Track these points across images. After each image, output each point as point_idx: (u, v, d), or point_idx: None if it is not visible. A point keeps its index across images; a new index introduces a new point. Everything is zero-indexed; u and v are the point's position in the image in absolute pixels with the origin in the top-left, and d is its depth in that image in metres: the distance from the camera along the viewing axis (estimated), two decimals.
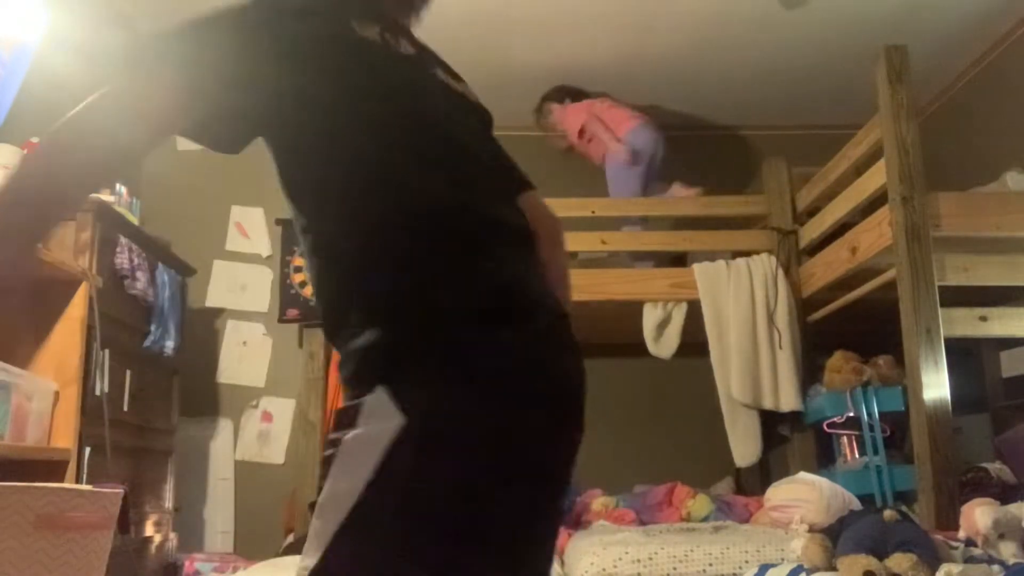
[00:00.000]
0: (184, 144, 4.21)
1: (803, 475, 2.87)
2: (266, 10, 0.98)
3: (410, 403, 0.84)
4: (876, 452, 3.16)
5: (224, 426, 3.71)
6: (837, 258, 3.33)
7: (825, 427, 3.33)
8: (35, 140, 2.71)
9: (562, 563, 2.69)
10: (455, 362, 0.86)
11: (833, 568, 1.94)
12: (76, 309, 2.47)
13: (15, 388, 2.22)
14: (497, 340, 0.86)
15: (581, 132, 3.99)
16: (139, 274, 2.84)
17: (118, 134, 0.92)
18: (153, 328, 2.95)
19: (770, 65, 4.24)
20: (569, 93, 4.12)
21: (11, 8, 2.51)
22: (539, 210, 1.19)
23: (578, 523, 3.27)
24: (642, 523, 3.21)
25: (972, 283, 2.92)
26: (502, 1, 3.66)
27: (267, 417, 3.75)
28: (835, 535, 2.05)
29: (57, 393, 2.42)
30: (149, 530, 2.95)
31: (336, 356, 1.11)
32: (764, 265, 3.60)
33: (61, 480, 2.35)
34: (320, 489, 0.88)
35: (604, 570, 2.46)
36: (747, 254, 3.68)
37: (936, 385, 2.65)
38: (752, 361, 3.47)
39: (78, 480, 2.40)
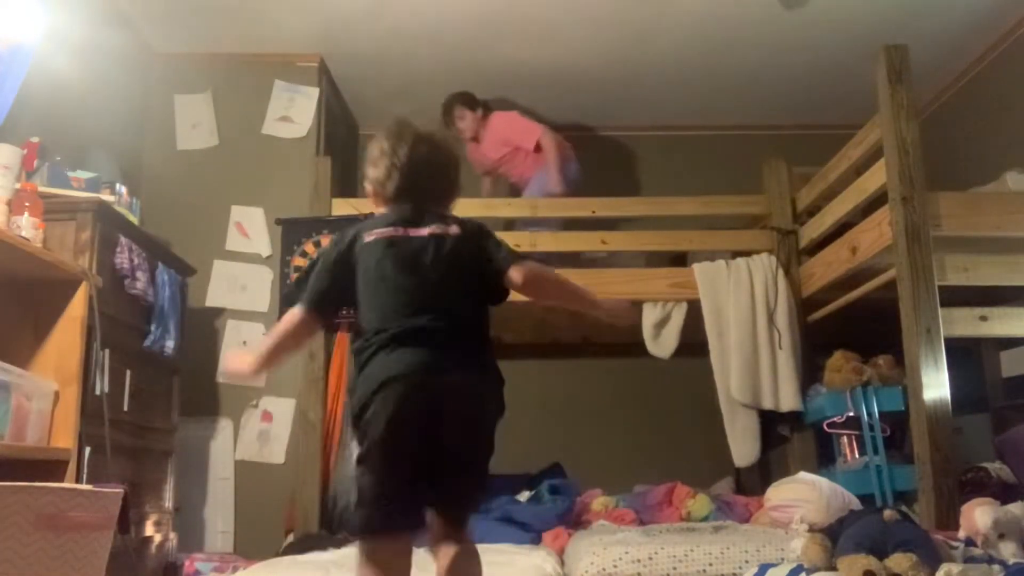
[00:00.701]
0: (184, 143, 4.24)
1: (803, 475, 2.87)
2: (329, 250, 1.72)
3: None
4: (876, 452, 3.15)
5: (224, 426, 3.71)
6: (837, 258, 3.33)
7: (825, 427, 3.33)
8: (35, 140, 2.71)
9: (562, 563, 2.69)
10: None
11: (833, 568, 1.94)
12: (76, 309, 2.47)
13: (15, 388, 2.22)
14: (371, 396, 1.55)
15: (537, 146, 4.04)
16: (139, 274, 2.84)
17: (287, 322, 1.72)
18: (153, 328, 2.95)
19: (770, 65, 4.25)
20: (481, 103, 4.16)
21: (11, 8, 2.51)
22: (528, 273, 1.68)
23: (578, 523, 3.27)
24: (642, 523, 3.21)
25: (972, 283, 2.92)
26: (502, 1, 3.66)
27: (267, 417, 3.74)
28: (835, 535, 2.05)
29: (57, 393, 2.42)
30: (149, 530, 2.95)
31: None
32: (764, 265, 3.60)
33: (61, 480, 2.35)
34: None
35: (604, 570, 2.46)
36: (747, 254, 3.67)
37: (936, 385, 2.65)
38: (752, 361, 3.47)
39: (78, 480, 2.40)
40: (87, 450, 2.46)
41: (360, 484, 1.47)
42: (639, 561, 2.47)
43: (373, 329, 1.57)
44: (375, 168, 1.71)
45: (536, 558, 2.57)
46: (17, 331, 2.45)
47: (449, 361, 1.54)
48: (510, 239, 3.70)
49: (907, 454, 3.11)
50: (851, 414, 3.22)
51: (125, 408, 2.77)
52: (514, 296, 3.61)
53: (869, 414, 3.20)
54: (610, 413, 4.56)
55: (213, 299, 3.81)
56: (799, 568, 2.03)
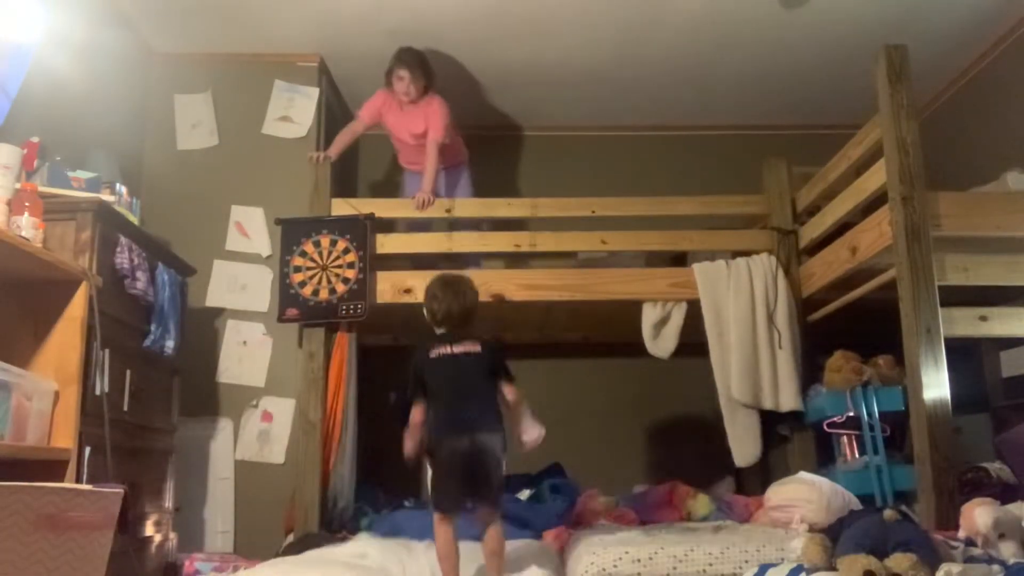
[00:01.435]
0: (184, 143, 4.24)
1: (803, 475, 2.87)
2: (413, 363, 2.47)
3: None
4: (876, 452, 3.16)
5: (224, 426, 3.71)
6: (837, 258, 3.33)
7: (825, 427, 3.33)
8: (35, 140, 2.71)
9: (562, 563, 2.69)
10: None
11: (833, 568, 1.94)
12: (76, 309, 2.47)
13: (15, 388, 2.22)
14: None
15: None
16: (139, 274, 2.84)
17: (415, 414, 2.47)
18: (153, 328, 2.95)
19: (770, 65, 4.25)
20: (431, 77, 3.85)
21: (11, 8, 2.51)
22: (513, 393, 2.61)
23: (578, 523, 3.27)
24: (642, 523, 3.21)
25: (972, 283, 2.93)
26: (502, 1, 3.66)
27: (267, 417, 3.75)
28: (835, 535, 2.05)
29: (57, 393, 2.41)
30: (149, 530, 2.95)
31: None
32: (764, 265, 3.60)
33: (61, 480, 2.35)
34: None
35: (604, 570, 2.46)
36: (747, 254, 3.67)
37: (936, 385, 2.65)
38: (752, 361, 3.47)
39: (78, 480, 2.40)
40: (87, 450, 2.46)
41: (434, 488, 2.45)
42: (639, 561, 2.47)
43: (435, 408, 2.45)
44: (431, 305, 2.58)
45: (537, 557, 2.57)
46: (17, 331, 2.45)
47: (477, 426, 2.41)
48: (498, 239, 3.73)
49: (907, 454, 3.11)
50: (851, 414, 3.23)
51: (125, 408, 2.77)
52: (515, 296, 3.60)
53: (869, 414, 3.20)
54: (610, 413, 4.56)
55: (213, 299, 3.81)
56: (799, 568, 2.03)
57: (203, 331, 3.73)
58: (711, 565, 2.47)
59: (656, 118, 4.80)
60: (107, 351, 2.60)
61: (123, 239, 2.78)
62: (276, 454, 3.71)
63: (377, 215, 3.63)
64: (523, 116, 4.78)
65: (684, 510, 3.24)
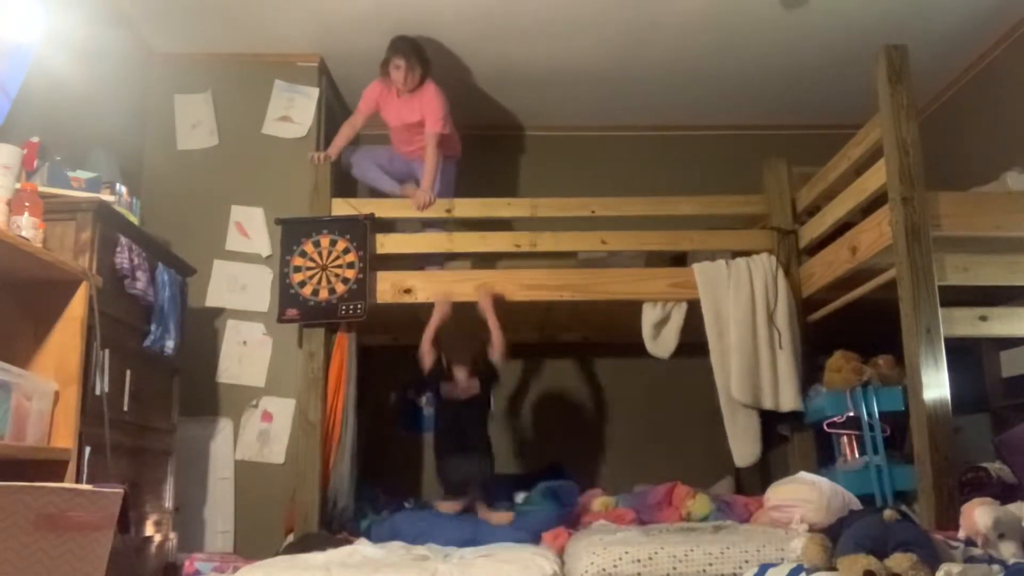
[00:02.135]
0: (184, 143, 4.23)
1: (803, 475, 2.87)
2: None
3: None
4: (876, 452, 3.16)
5: (224, 426, 3.71)
6: (837, 258, 3.33)
7: (825, 427, 3.33)
8: (35, 140, 2.71)
9: (562, 563, 2.69)
10: None
11: (833, 568, 1.94)
12: (76, 309, 2.47)
13: (15, 388, 2.22)
14: None
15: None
16: (139, 274, 2.84)
17: None
18: (153, 328, 2.95)
19: (770, 65, 4.25)
20: (427, 65, 3.81)
21: (11, 8, 2.51)
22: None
23: (578, 523, 3.27)
24: (642, 523, 3.21)
25: (972, 283, 2.93)
26: (502, 1, 3.66)
27: (267, 417, 3.75)
28: (835, 535, 2.05)
29: (57, 393, 2.41)
30: (149, 530, 2.95)
31: None
32: (764, 265, 3.60)
33: (61, 480, 2.34)
34: None
35: (604, 570, 2.46)
36: (747, 254, 3.67)
37: (936, 385, 2.65)
38: (752, 361, 3.47)
39: (78, 480, 2.40)
40: (87, 450, 2.45)
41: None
42: (639, 561, 2.47)
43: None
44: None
45: (538, 558, 2.57)
46: (17, 331, 2.45)
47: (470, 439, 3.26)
48: (487, 239, 3.73)
49: (907, 454, 3.11)
50: (851, 414, 3.23)
51: (125, 408, 2.77)
52: (513, 296, 3.59)
53: (869, 414, 3.20)
54: (610, 413, 4.57)
55: (213, 299, 3.81)
56: (799, 568, 2.03)
57: (203, 331, 3.73)
58: (711, 565, 2.47)
59: (656, 118, 4.80)
60: (107, 351, 2.60)
61: (123, 239, 2.78)
62: (276, 454, 3.71)
63: (377, 215, 3.64)
64: (523, 116, 4.78)
65: (684, 510, 3.24)
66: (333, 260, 3.51)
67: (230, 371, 3.77)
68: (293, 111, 4.02)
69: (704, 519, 3.19)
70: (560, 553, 2.82)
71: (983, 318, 2.97)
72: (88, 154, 3.19)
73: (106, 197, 2.78)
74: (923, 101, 4.37)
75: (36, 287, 2.45)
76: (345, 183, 4.11)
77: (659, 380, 4.44)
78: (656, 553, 2.49)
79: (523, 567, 2.43)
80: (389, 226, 3.87)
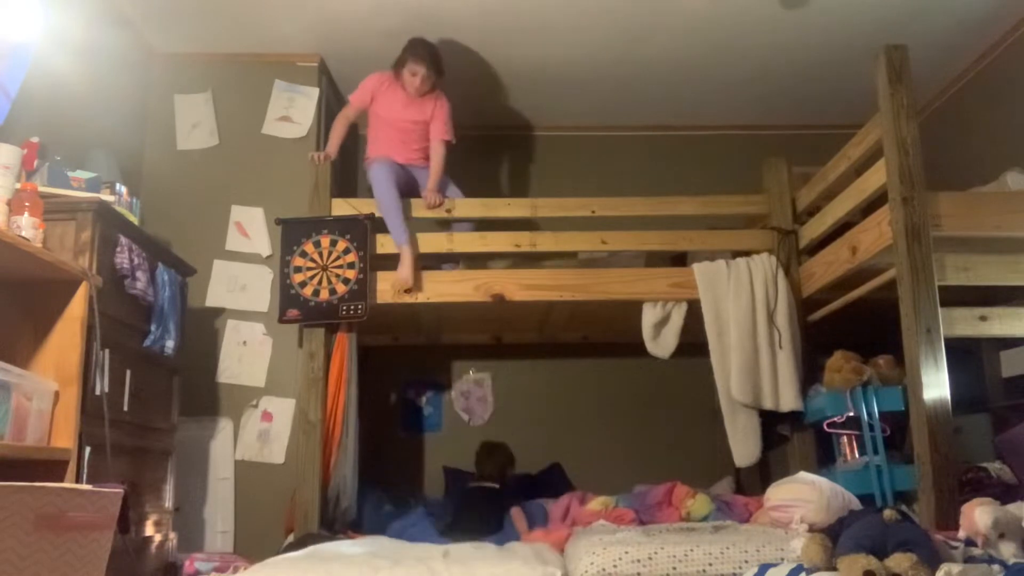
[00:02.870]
0: (184, 143, 4.23)
1: (803, 475, 2.87)
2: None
3: None
4: (876, 452, 3.15)
5: (224, 426, 3.71)
6: (837, 258, 3.33)
7: (825, 427, 3.33)
8: (35, 140, 2.71)
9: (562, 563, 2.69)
10: None
11: (833, 568, 1.94)
12: (76, 309, 2.47)
13: (15, 388, 2.22)
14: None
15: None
16: (139, 274, 2.84)
17: None
18: (153, 328, 2.95)
19: (770, 65, 4.25)
20: (441, 74, 3.81)
21: (11, 8, 2.51)
22: None
23: (577, 523, 3.28)
24: (642, 523, 3.21)
25: (972, 283, 2.93)
26: (502, 1, 3.66)
27: (267, 417, 3.75)
28: (835, 535, 2.05)
29: (57, 393, 2.41)
30: (149, 530, 2.95)
31: None
32: (764, 265, 3.59)
33: (61, 480, 2.35)
34: None
35: (604, 570, 2.46)
36: (747, 254, 3.67)
37: (936, 385, 2.65)
38: (752, 361, 3.46)
39: (78, 480, 2.40)
40: (87, 450, 2.45)
41: None
42: (639, 561, 2.47)
43: None
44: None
45: (540, 556, 2.57)
46: (17, 331, 2.45)
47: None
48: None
49: (907, 454, 3.11)
50: (851, 414, 3.22)
51: (125, 408, 2.77)
52: (515, 296, 3.59)
53: (869, 414, 3.20)
54: (610, 413, 4.57)
55: (213, 299, 3.81)
56: (799, 568, 2.03)
57: (203, 331, 3.73)
58: (711, 565, 2.47)
59: (656, 118, 4.80)
60: (107, 351, 2.60)
61: (123, 239, 2.78)
62: (276, 454, 3.71)
63: (377, 215, 3.64)
64: (523, 116, 4.79)
65: (684, 510, 3.24)
66: (333, 260, 3.51)
67: (230, 371, 3.77)
68: (293, 111, 4.02)
69: (704, 519, 3.19)
70: (560, 552, 2.82)
71: (983, 318, 2.97)
72: (88, 154, 3.19)
73: (106, 197, 2.78)
74: (923, 101, 4.37)
75: (36, 287, 2.45)
76: (345, 183, 4.11)
77: (659, 380, 4.44)
78: (656, 553, 2.49)
79: (525, 564, 2.43)
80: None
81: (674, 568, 2.46)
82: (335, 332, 3.52)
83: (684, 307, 3.62)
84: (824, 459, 3.50)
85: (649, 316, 3.62)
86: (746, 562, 2.44)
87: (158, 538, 3.01)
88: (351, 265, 3.50)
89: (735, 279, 3.57)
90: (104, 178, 2.91)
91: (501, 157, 4.87)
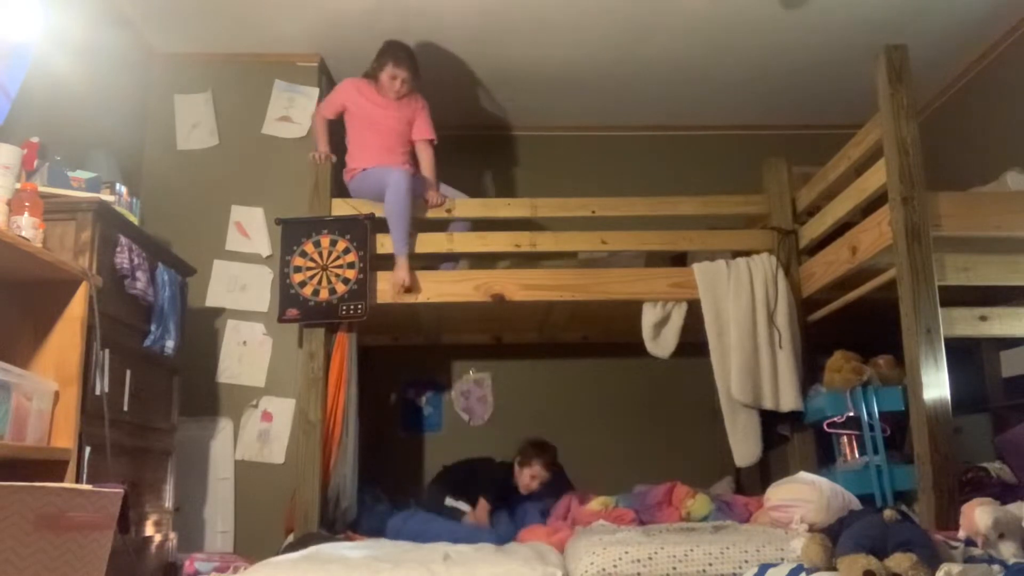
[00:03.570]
0: (184, 143, 4.23)
1: (803, 475, 2.87)
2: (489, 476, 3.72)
3: None
4: (876, 452, 3.15)
5: (224, 426, 3.71)
6: (837, 258, 3.33)
7: (825, 427, 3.33)
8: (35, 140, 2.71)
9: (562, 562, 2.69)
10: None
11: (833, 568, 1.94)
12: (76, 309, 2.47)
13: (15, 388, 2.22)
14: None
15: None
16: (139, 274, 2.84)
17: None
18: (153, 328, 2.95)
19: (770, 65, 4.25)
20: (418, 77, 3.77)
21: (11, 8, 2.51)
22: None
23: (577, 523, 3.27)
24: (642, 523, 3.21)
25: (972, 283, 2.93)
26: (502, 1, 3.66)
27: (267, 417, 3.75)
28: (835, 535, 2.05)
29: (57, 393, 2.41)
30: (149, 530, 2.95)
31: None
32: (764, 265, 3.59)
33: (61, 480, 2.35)
34: None
35: (604, 570, 2.46)
36: (747, 254, 3.67)
37: (936, 385, 2.65)
38: (752, 361, 3.46)
39: (78, 480, 2.40)
40: (87, 450, 2.46)
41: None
42: (639, 561, 2.47)
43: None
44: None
45: (541, 556, 2.57)
46: (17, 331, 2.45)
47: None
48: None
49: (907, 454, 3.11)
50: (851, 414, 3.22)
51: (125, 408, 2.77)
52: (514, 296, 3.58)
53: (869, 414, 3.20)
54: (610, 413, 4.57)
55: (213, 299, 3.81)
56: (799, 568, 2.03)
57: (203, 331, 3.73)
58: (711, 565, 2.47)
59: (656, 118, 4.80)
60: (107, 351, 2.60)
61: (123, 239, 2.78)
62: (276, 454, 3.71)
63: (377, 215, 3.63)
64: (523, 116, 4.79)
65: (684, 510, 3.24)
66: (333, 260, 3.51)
67: (230, 371, 3.77)
68: (293, 111, 4.02)
69: (704, 519, 3.19)
70: (560, 552, 2.82)
71: (983, 318, 2.97)
72: (88, 154, 3.19)
73: (106, 197, 2.78)
74: (923, 101, 4.37)
75: (36, 287, 2.46)
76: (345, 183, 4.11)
77: (659, 380, 4.44)
78: (656, 553, 2.49)
79: (525, 564, 2.43)
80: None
81: (674, 568, 2.46)
82: (335, 332, 3.52)
83: (684, 307, 3.62)
84: (824, 459, 3.50)
85: (649, 316, 3.62)
86: (746, 562, 2.44)
87: (158, 538, 3.01)
88: (351, 265, 3.50)
89: (735, 279, 3.57)
90: (104, 178, 2.91)
91: (501, 157, 4.86)
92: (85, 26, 3.25)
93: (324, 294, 3.46)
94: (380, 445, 4.36)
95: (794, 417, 3.55)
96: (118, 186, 2.94)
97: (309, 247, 3.53)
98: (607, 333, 4.27)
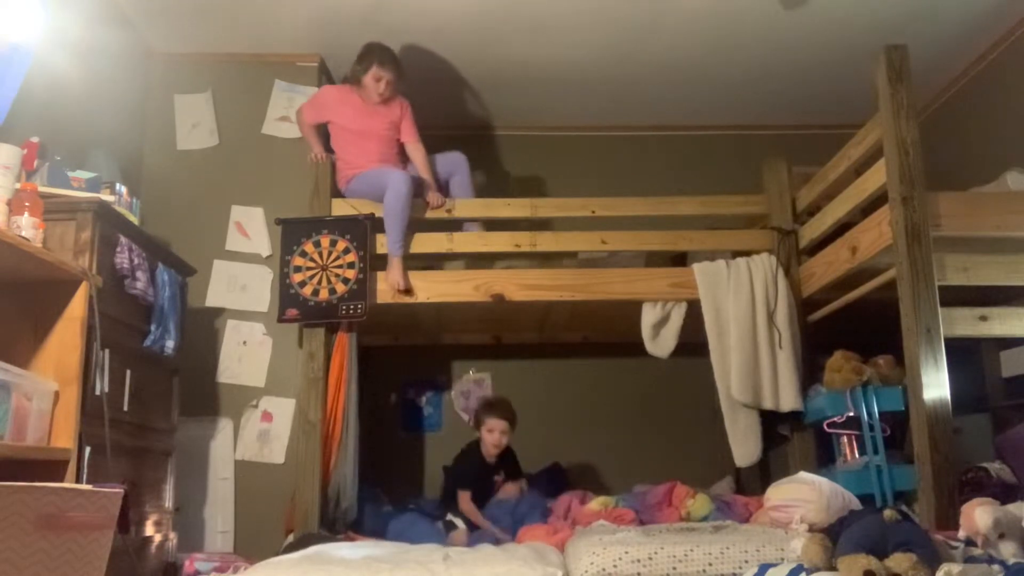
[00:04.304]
0: (184, 143, 4.23)
1: (803, 475, 2.87)
2: (458, 468, 3.74)
3: None
4: (876, 452, 3.15)
5: (224, 426, 3.71)
6: (837, 258, 3.33)
7: (825, 427, 3.33)
8: (35, 140, 2.71)
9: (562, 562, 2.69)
10: None
11: (833, 568, 1.94)
12: (76, 309, 2.47)
13: (15, 388, 2.22)
14: None
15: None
16: (139, 274, 2.84)
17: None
18: (153, 328, 2.95)
19: (770, 65, 4.25)
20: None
21: (11, 8, 2.51)
22: None
23: (577, 523, 3.27)
24: (642, 523, 3.21)
25: (972, 283, 2.93)
26: (502, 1, 3.66)
27: (267, 417, 3.75)
28: (835, 535, 2.05)
29: (57, 393, 2.41)
30: (149, 530, 2.95)
31: None
32: (764, 265, 3.59)
33: (61, 480, 2.35)
34: None
35: (604, 570, 2.46)
36: (747, 254, 3.67)
37: (936, 385, 2.65)
38: (752, 361, 3.46)
39: (78, 480, 2.40)
40: (87, 450, 2.46)
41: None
42: (639, 561, 2.47)
43: None
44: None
45: (541, 557, 2.57)
46: (17, 331, 2.45)
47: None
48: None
49: (907, 454, 3.11)
50: (851, 414, 3.22)
51: (125, 408, 2.78)
52: (515, 296, 3.59)
53: (869, 414, 3.20)
54: (610, 413, 4.57)
55: (213, 299, 3.82)
56: (799, 568, 2.03)
57: (203, 331, 3.73)
58: (711, 565, 2.47)
59: (656, 118, 4.80)
60: (107, 351, 2.60)
61: (123, 239, 2.78)
62: (276, 454, 3.71)
63: (377, 215, 3.63)
64: (523, 116, 4.78)
65: (684, 510, 3.23)
66: (333, 260, 3.51)
67: (230, 371, 3.77)
68: (293, 111, 4.02)
69: (704, 519, 3.19)
70: (560, 552, 2.82)
71: (983, 318, 2.97)
72: (88, 154, 3.19)
73: (106, 197, 2.78)
74: (923, 101, 4.37)
75: (36, 287, 2.46)
76: None
77: (659, 380, 4.44)
78: (656, 553, 2.48)
79: (525, 564, 2.43)
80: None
81: (674, 568, 2.46)
82: (335, 332, 3.52)
83: (684, 307, 3.62)
84: (824, 459, 3.50)
85: (649, 316, 3.62)
86: (746, 562, 2.44)
87: (158, 538, 3.01)
88: (351, 265, 3.50)
89: (735, 279, 3.57)
90: (104, 178, 2.91)
91: (501, 157, 4.86)
92: (84, 26, 3.25)
93: (324, 294, 3.46)
94: (380, 445, 4.36)
95: (794, 417, 3.55)
96: (118, 186, 2.94)
97: (309, 247, 3.53)
98: (607, 333, 4.27)
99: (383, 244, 3.61)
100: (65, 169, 2.75)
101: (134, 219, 2.97)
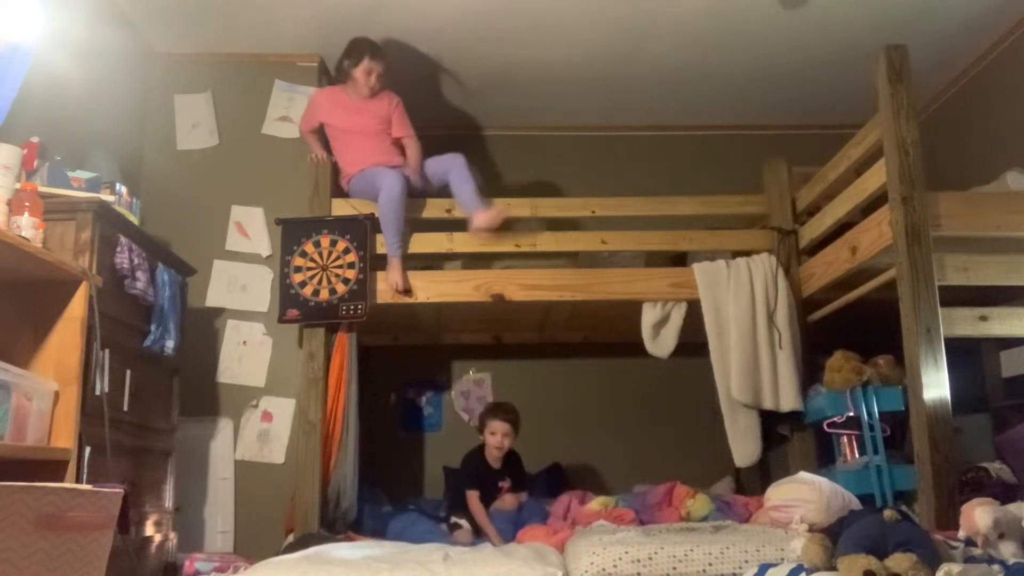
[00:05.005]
0: (184, 143, 4.23)
1: (803, 475, 2.87)
2: (464, 469, 3.73)
3: None
4: (876, 452, 3.16)
5: (224, 426, 3.71)
6: (837, 258, 3.33)
7: (825, 427, 3.33)
8: (35, 140, 2.71)
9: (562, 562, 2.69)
10: None
11: (833, 568, 1.94)
12: (76, 309, 2.47)
13: (15, 388, 2.22)
14: None
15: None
16: (139, 274, 2.84)
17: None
18: (153, 328, 2.95)
19: (770, 65, 4.25)
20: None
21: (11, 8, 2.51)
22: None
23: (577, 523, 3.27)
24: (642, 523, 3.21)
25: (972, 283, 2.93)
26: (502, 1, 3.66)
27: (267, 417, 3.75)
28: (835, 535, 2.05)
29: (57, 393, 2.41)
30: (149, 530, 2.95)
31: None
32: (764, 265, 3.60)
33: (61, 480, 2.34)
34: None
35: (604, 570, 2.46)
36: (747, 254, 3.67)
37: (936, 385, 2.65)
38: (752, 361, 3.46)
39: (78, 480, 2.40)
40: (87, 450, 2.45)
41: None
42: (639, 561, 2.47)
43: None
44: None
45: (541, 557, 2.57)
46: (17, 331, 2.45)
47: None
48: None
49: (907, 454, 3.11)
50: (851, 414, 3.22)
51: (125, 408, 2.77)
52: (515, 296, 3.59)
53: (869, 414, 3.20)
54: (610, 413, 4.57)
55: (213, 299, 3.81)
56: (799, 568, 2.03)
57: (203, 331, 3.73)
58: (711, 565, 2.47)
59: (656, 118, 4.80)
60: (107, 351, 2.60)
61: (123, 239, 2.78)
62: (276, 454, 3.71)
63: (377, 215, 3.63)
64: (523, 116, 4.78)
65: (684, 510, 3.24)
66: (333, 260, 3.51)
67: (230, 371, 3.77)
68: (293, 111, 4.02)
69: (704, 519, 3.19)
70: (560, 552, 2.82)
71: (983, 318, 2.97)
72: (88, 154, 3.19)
73: (106, 197, 2.78)
74: (923, 101, 4.37)
75: (36, 287, 2.45)
76: None
77: (659, 380, 4.44)
78: (656, 553, 2.49)
79: (525, 564, 2.43)
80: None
81: (674, 568, 2.47)
82: (335, 332, 3.52)
83: (684, 307, 3.62)
84: (824, 459, 3.50)
85: (649, 316, 3.62)
86: (746, 562, 2.44)
87: (158, 538, 3.01)
88: (351, 265, 3.50)
89: (735, 279, 3.57)
90: (104, 178, 2.91)
91: (501, 157, 4.86)
92: (84, 26, 3.25)
93: (324, 294, 3.46)
94: (380, 445, 4.36)
95: (794, 417, 3.55)
96: (118, 186, 2.94)
97: (309, 247, 3.53)
98: (607, 333, 4.27)
99: (383, 244, 3.61)
100: (65, 169, 2.75)
101: (134, 219, 2.96)
